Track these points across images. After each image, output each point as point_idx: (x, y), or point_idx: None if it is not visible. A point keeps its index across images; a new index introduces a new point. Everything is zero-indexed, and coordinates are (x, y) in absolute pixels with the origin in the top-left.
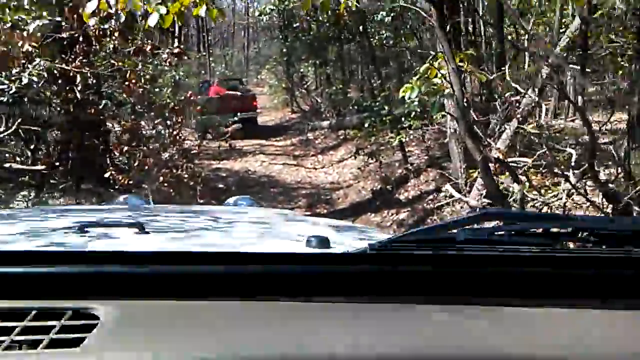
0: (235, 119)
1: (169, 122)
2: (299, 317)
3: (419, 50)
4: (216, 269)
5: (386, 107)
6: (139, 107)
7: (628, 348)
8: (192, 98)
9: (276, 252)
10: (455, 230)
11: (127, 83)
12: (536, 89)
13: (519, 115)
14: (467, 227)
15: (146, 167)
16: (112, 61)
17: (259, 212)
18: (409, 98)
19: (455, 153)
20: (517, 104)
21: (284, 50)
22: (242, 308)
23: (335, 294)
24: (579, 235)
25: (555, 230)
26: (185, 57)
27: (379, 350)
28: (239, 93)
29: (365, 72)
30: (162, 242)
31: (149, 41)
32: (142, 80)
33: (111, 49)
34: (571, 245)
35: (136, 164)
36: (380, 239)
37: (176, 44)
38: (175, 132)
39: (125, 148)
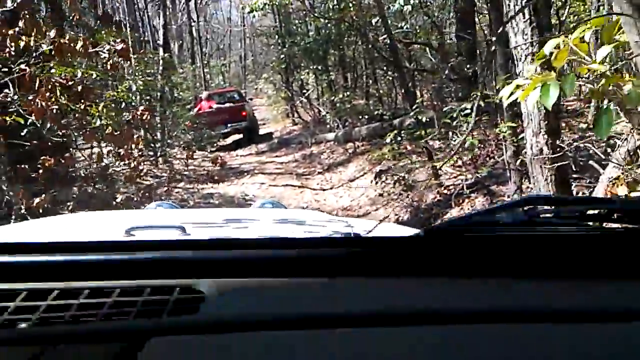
0: (226, 130)
1: (122, 152)
2: (358, 293)
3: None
4: (291, 252)
5: (418, 118)
6: (69, 131)
7: None
8: (144, 117)
9: (339, 236)
10: (501, 214)
11: (33, 98)
12: None
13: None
14: (511, 211)
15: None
16: (20, 64)
17: (292, 213)
18: (538, 104)
19: (540, 180)
20: None
21: (282, 56)
22: (324, 286)
23: (391, 274)
24: (616, 216)
25: (593, 212)
26: (180, 70)
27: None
28: (229, 105)
29: (370, 77)
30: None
31: (83, 35)
32: (58, 93)
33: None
34: (609, 225)
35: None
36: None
37: (161, 53)
38: (133, 164)
39: (36, 202)
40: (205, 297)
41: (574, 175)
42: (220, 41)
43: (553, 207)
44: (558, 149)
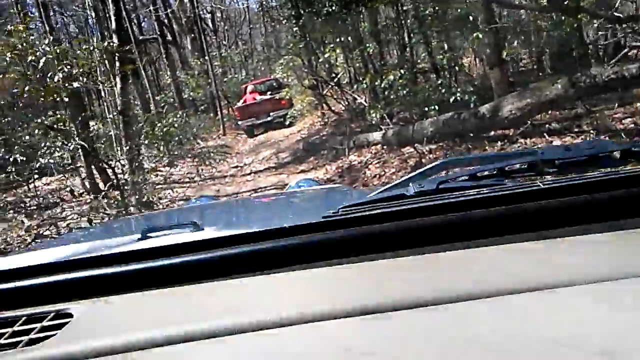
0: (269, 118)
1: None
2: (288, 285)
3: None
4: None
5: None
6: None
7: (600, 271)
8: None
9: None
10: (410, 185)
11: None
12: None
13: None
14: (422, 180)
15: None
16: None
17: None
18: None
19: None
20: None
21: (297, 31)
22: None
23: (311, 259)
24: (537, 168)
25: (512, 167)
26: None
27: (359, 304)
28: (270, 95)
29: (424, 45)
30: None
31: None
32: None
33: None
34: (529, 179)
35: None
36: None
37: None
38: None
39: None
40: (74, 319)
41: None
42: (238, 30)
43: (470, 169)
44: None
